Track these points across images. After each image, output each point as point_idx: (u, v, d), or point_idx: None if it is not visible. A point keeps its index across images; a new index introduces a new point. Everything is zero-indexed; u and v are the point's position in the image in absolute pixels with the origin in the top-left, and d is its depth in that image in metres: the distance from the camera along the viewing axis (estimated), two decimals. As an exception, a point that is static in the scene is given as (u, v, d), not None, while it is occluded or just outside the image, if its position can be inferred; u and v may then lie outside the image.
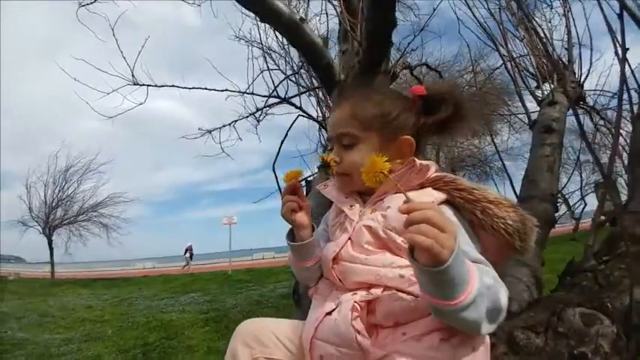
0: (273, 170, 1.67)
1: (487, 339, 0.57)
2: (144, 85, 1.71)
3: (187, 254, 16.53)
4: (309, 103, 2.59)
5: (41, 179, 14.03)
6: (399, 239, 0.61)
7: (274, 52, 2.63)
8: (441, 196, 0.64)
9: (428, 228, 0.46)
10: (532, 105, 1.94)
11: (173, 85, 1.74)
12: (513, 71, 1.96)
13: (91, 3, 1.84)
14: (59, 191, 14.11)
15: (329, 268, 0.67)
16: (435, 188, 0.66)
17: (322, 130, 2.51)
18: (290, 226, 0.75)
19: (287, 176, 0.73)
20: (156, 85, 1.72)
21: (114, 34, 1.78)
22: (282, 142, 1.69)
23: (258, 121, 2.43)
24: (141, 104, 1.80)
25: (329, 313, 0.62)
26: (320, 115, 2.34)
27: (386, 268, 0.60)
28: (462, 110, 0.72)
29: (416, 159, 0.66)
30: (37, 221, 13.75)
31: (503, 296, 0.52)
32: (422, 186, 0.67)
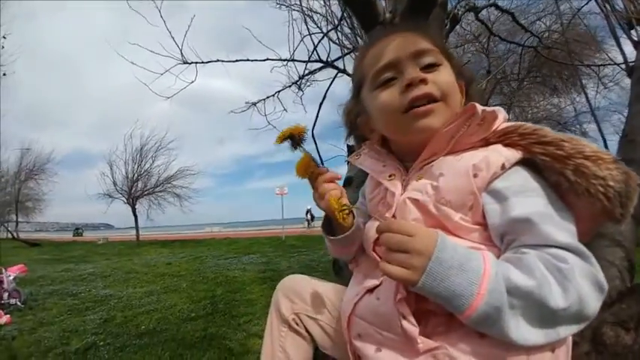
0: (313, 137, 1.68)
1: (569, 338, 0.46)
2: (192, 62, 1.82)
3: (308, 216, 18.24)
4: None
5: (121, 157, 16.11)
6: (457, 216, 0.50)
7: (315, 12, 2.54)
8: (515, 154, 0.50)
9: (394, 255, 0.43)
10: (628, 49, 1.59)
11: (218, 60, 1.83)
12: (605, 6, 1.60)
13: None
14: (137, 167, 16.13)
15: (371, 250, 0.59)
16: (506, 144, 0.51)
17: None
18: (324, 216, 0.67)
19: (300, 168, 0.61)
20: (202, 62, 1.82)
21: (161, 16, 1.89)
22: (320, 105, 1.67)
23: (301, 89, 2.42)
24: (192, 82, 1.94)
25: (370, 291, 0.56)
26: None
27: None
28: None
29: (476, 104, 0.51)
30: (121, 193, 16.02)
31: (556, 296, 0.40)
32: (487, 142, 0.52)
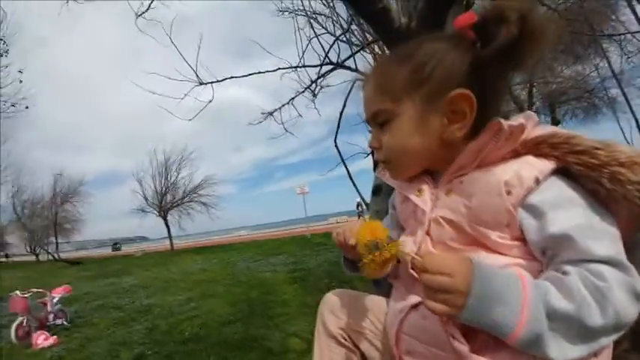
0: (336, 145, 1.70)
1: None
2: (208, 82, 1.90)
3: (359, 208, 18.41)
4: (367, 63, 2.46)
5: (147, 172, 16.98)
6: (494, 234, 0.49)
7: (320, 14, 2.54)
8: (548, 165, 0.48)
9: (437, 295, 0.44)
10: None
11: (232, 77, 1.89)
12: None
13: (146, 11, 2.05)
14: (164, 180, 16.94)
15: (407, 267, 0.57)
16: (537, 155, 0.50)
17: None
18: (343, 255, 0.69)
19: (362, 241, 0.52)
20: (218, 81, 1.89)
21: (172, 41, 1.98)
22: (341, 113, 1.69)
23: (315, 94, 2.44)
24: (210, 102, 2.02)
25: (414, 307, 0.56)
26: None
27: None
28: (531, 25, 0.47)
29: (502, 121, 0.49)
30: (152, 207, 16.89)
31: (594, 316, 0.41)
32: (516, 153, 0.51)
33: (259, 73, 1.91)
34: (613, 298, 0.42)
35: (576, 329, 0.42)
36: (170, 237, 16.84)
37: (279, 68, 1.98)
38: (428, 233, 0.56)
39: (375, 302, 0.69)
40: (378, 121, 0.59)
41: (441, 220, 0.54)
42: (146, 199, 17.11)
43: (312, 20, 2.54)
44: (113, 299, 5.45)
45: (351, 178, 1.64)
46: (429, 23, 1.02)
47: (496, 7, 0.49)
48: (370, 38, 2.53)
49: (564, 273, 0.44)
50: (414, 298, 0.56)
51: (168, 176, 17.20)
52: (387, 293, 0.69)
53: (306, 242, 10.13)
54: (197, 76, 1.88)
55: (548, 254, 0.48)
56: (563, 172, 0.49)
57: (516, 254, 0.50)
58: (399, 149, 0.58)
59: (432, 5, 1.03)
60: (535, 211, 0.48)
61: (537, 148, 0.50)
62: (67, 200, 20.28)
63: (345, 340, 0.68)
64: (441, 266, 0.45)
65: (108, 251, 29.17)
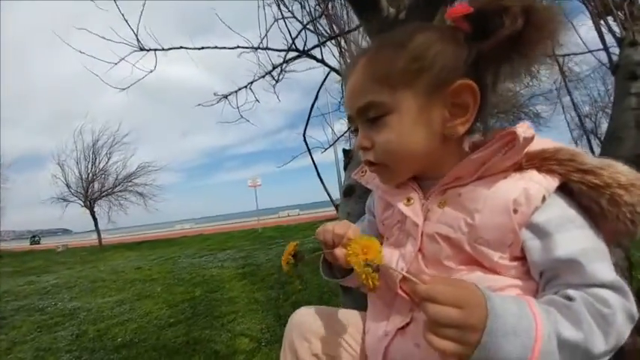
0: (304, 139, 1.58)
1: None
2: (151, 49, 1.63)
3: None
4: (331, 56, 2.37)
5: (71, 157, 14.80)
6: (496, 255, 0.46)
7: (288, -4, 2.37)
8: (552, 183, 0.46)
9: (443, 331, 0.38)
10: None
11: (181, 47, 1.64)
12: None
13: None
14: (92, 166, 14.92)
15: (395, 286, 0.53)
16: (540, 170, 0.47)
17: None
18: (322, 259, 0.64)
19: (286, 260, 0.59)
20: (163, 49, 1.63)
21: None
22: (313, 104, 1.57)
23: (276, 80, 2.28)
24: (151, 71, 1.74)
25: (401, 328, 0.51)
26: (344, 66, 2.14)
27: None
28: (537, 15, 0.45)
29: (517, 130, 0.44)
30: (76, 196, 14.82)
31: (598, 344, 0.41)
32: (519, 167, 0.47)
33: (215, 47, 1.69)
34: (616, 324, 0.42)
35: (580, 357, 0.40)
36: (98, 230, 14.98)
37: (239, 47, 1.79)
38: (420, 250, 0.51)
39: (349, 319, 0.62)
40: (369, 116, 0.51)
41: (437, 236, 0.49)
42: (69, 186, 14.90)
43: (279, 2, 2.36)
44: (34, 300, 4.82)
45: (319, 176, 1.54)
46: (418, 16, 0.95)
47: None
48: (337, 31, 2.45)
49: (568, 298, 0.43)
50: (399, 319, 0.51)
51: (96, 161, 15.15)
52: (356, 302, 0.63)
53: (257, 236, 9.87)
54: (138, 40, 1.59)
55: (547, 275, 0.45)
56: (561, 188, 0.47)
57: (514, 275, 0.47)
58: (397, 149, 0.51)
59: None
60: (540, 232, 0.45)
61: (544, 163, 0.47)
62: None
63: None
64: (452, 297, 0.39)
65: (26, 244, 25.19)
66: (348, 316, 0.62)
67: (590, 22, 1.72)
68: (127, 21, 1.57)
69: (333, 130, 2.96)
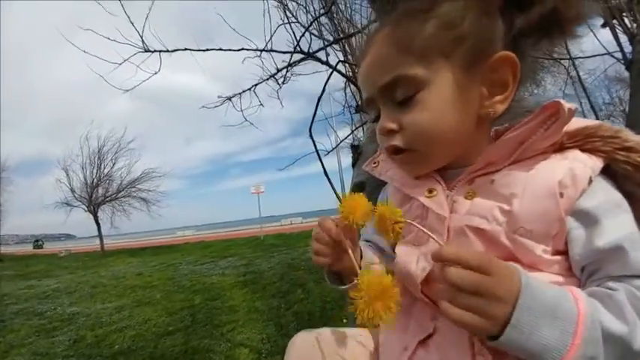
0: (310, 135, 1.54)
1: None
2: (155, 51, 1.62)
3: None
4: (336, 59, 2.36)
5: (76, 162, 14.93)
6: (539, 248, 0.40)
7: (292, 1, 2.39)
8: (598, 163, 0.41)
9: (466, 299, 0.33)
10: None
11: (186, 49, 1.63)
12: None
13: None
14: (97, 171, 15.02)
15: (416, 291, 0.46)
16: (584, 149, 0.42)
17: (350, 86, 2.31)
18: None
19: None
20: (167, 51, 1.62)
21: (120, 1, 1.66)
22: (318, 99, 1.52)
23: (280, 84, 2.27)
24: (155, 73, 1.73)
25: (422, 342, 0.44)
26: (349, 71, 2.13)
27: None
28: None
29: (561, 101, 0.39)
30: (80, 201, 14.87)
31: (639, 338, 0.36)
32: (559, 147, 0.42)
33: (220, 49, 1.68)
34: None
35: (620, 353, 0.35)
36: (100, 236, 14.97)
37: (244, 49, 1.77)
38: None
39: (357, 338, 0.54)
40: (396, 94, 0.44)
41: (467, 229, 0.42)
42: (73, 191, 14.96)
43: (284, 7, 2.38)
44: (34, 304, 4.83)
45: (324, 169, 1.50)
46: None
47: None
48: (342, 34, 2.45)
49: (611, 289, 0.38)
50: (420, 330, 0.44)
51: (102, 166, 15.23)
52: None
53: (259, 244, 9.77)
54: (143, 41, 1.59)
55: (589, 269, 0.40)
56: (604, 171, 0.42)
57: (556, 271, 0.41)
58: (431, 131, 0.43)
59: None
60: (587, 219, 0.40)
61: (586, 140, 0.41)
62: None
63: None
64: (480, 261, 0.34)
65: (29, 248, 25.33)
66: (355, 335, 0.55)
67: (598, 26, 1.69)
68: (132, 23, 1.57)
69: (336, 134, 2.93)
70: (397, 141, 0.45)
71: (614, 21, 1.55)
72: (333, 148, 2.58)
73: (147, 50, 1.63)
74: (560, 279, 0.41)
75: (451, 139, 0.45)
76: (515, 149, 0.41)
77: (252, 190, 12.08)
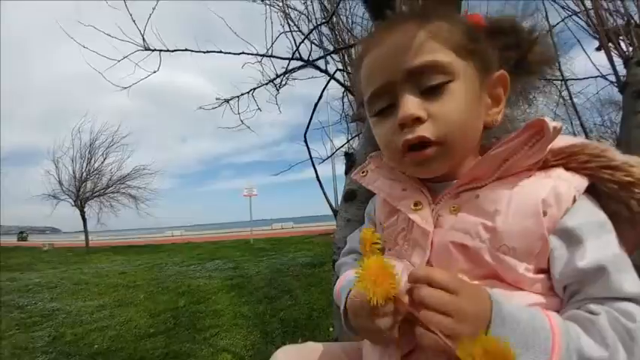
0: (305, 141, 1.54)
1: None
2: (155, 50, 1.61)
3: None
4: (334, 69, 2.40)
5: (67, 154, 14.61)
6: (522, 267, 0.40)
7: (294, 9, 2.43)
8: (582, 182, 0.41)
9: (438, 317, 0.34)
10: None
11: (186, 49, 1.63)
12: (598, 14, 1.60)
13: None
14: (86, 165, 14.70)
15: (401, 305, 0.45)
16: (568, 168, 0.42)
17: (348, 96, 2.34)
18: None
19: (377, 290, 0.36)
20: (168, 50, 1.62)
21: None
22: (315, 105, 1.53)
23: (278, 89, 2.29)
24: (154, 72, 1.72)
25: (405, 356, 0.42)
26: (347, 80, 2.16)
27: None
28: (532, 49, 0.49)
29: (546, 119, 0.39)
30: (68, 194, 14.51)
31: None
32: (544, 165, 0.42)
33: (220, 52, 1.68)
34: (639, 339, 0.37)
35: None
36: (86, 231, 14.58)
37: (244, 53, 1.79)
38: (429, 262, 0.44)
39: (340, 354, 0.53)
40: (425, 79, 0.42)
41: (450, 245, 0.42)
42: (61, 184, 14.56)
43: (285, 15, 2.42)
44: (15, 297, 4.71)
45: (318, 178, 1.50)
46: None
47: (508, 22, 0.49)
48: (342, 44, 2.50)
49: (592, 313, 0.38)
50: (404, 344, 0.42)
51: (92, 160, 14.90)
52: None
53: (248, 247, 9.66)
54: (144, 40, 1.58)
55: (571, 289, 0.40)
56: (588, 191, 0.42)
57: (539, 290, 0.41)
58: (462, 123, 0.43)
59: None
60: (570, 239, 0.40)
61: (571, 159, 0.42)
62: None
63: None
64: (447, 279, 0.36)
65: (13, 240, 24.60)
66: (338, 351, 0.54)
67: (590, 50, 1.75)
68: (134, 21, 1.57)
69: (332, 142, 2.95)
70: (426, 131, 0.42)
71: (610, 44, 1.61)
72: (329, 157, 2.59)
73: (147, 49, 1.62)
74: (542, 299, 0.41)
75: (471, 137, 0.45)
76: (500, 166, 0.42)
77: (244, 192, 11.99)
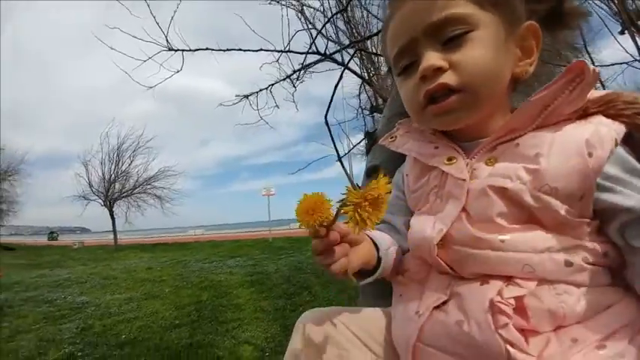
0: (326, 122, 1.55)
1: None
2: (179, 50, 1.70)
3: None
4: (351, 64, 2.42)
5: (96, 157, 15.42)
6: (563, 208, 0.38)
7: (309, 7, 2.47)
8: (622, 128, 0.39)
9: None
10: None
11: (207, 48, 1.71)
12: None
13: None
14: (115, 167, 15.46)
15: (431, 256, 0.44)
16: (606, 115, 0.41)
17: (365, 89, 2.35)
18: None
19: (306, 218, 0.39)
20: (190, 50, 1.70)
21: (147, 4, 1.76)
22: (335, 86, 1.56)
23: (295, 86, 2.33)
24: (178, 71, 1.81)
25: (438, 307, 0.42)
26: (364, 70, 2.17)
27: (541, 255, 0.38)
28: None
29: (585, 61, 0.39)
30: (97, 195, 15.31)
31: None
32: (585, 112, 0.41)
33: (240, 50, 1.74)
34: None
35: None
36: (115, 230, 15.32)
37: (262, 49, 1.84)
38: (464, 210, 0.42)
39: (370, 317, 0.51)
40: (447, 32, 0.42)
41: (488, 189, 0.41)
42: (91, 185, 15.37)
43: (300, 14, 2.46)
44: (44, 292, 4.91)
45: (338, 156, 1.50)
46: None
47: None
48: (358, 37, 2.51)
49: None
50: (434, 297, 0.42)
51: (120, 163, 15.68)
52: (376, 301, 0.53)
53: (267, 246, 9.82)
54: (167, 41, 1.67)
55: (619, 229, 0.39)
56: (629, 139, 0.41)
57: (579, 235, 0.39)
58: (485, 68, 0.42)
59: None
60: (617, 181, 0.38)
61: (608, 105, 0.40)
62: (4, 178, 17.82)
63: None
64: None
65: (44, 240, 26.26)
66: (369, 315, 0.52)
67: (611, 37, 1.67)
68: (157, 23, 1.66)
69: (349, 139, 2.96)
70: (447, 79, 0.42)
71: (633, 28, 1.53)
72: (346, 153, 2.61)
73: (170, 49, 1.70)
74: (586, 244, 0.39)
75: (496, 86, 0.44)
76: (540, 113, 0.41)
77: (263, 192, 12.18)
